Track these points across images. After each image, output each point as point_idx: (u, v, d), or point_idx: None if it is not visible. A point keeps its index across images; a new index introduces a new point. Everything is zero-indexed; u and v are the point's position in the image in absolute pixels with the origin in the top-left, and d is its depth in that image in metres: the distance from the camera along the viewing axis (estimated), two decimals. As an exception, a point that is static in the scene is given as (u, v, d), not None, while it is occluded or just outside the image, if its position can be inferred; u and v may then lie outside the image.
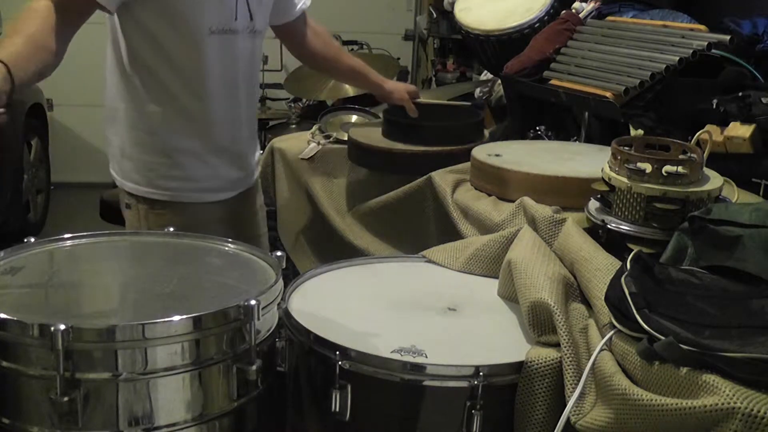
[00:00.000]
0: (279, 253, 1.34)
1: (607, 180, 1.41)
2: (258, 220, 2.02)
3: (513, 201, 1.58)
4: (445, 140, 2.02)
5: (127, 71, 1.68)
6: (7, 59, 1.32)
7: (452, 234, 1.68)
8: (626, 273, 1.11)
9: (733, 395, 0.86)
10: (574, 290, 1.29)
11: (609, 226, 1.38)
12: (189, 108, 1.71)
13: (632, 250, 1.19)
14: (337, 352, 1.17)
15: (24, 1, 1.51)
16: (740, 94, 1.71)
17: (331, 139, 2.36)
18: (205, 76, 1.68)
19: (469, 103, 2.43)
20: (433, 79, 4.75)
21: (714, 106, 1.74)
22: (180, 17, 1.61)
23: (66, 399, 1.04)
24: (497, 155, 1.77)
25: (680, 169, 1.35)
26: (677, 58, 1.83)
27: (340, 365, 1.17)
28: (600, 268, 1.24)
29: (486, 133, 2.19)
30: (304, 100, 3.82)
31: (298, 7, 1.95)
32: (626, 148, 1.41)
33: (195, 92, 1.70)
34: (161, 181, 1.72)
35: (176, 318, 1.09)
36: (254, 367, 1.15)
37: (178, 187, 1.74)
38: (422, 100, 2.19)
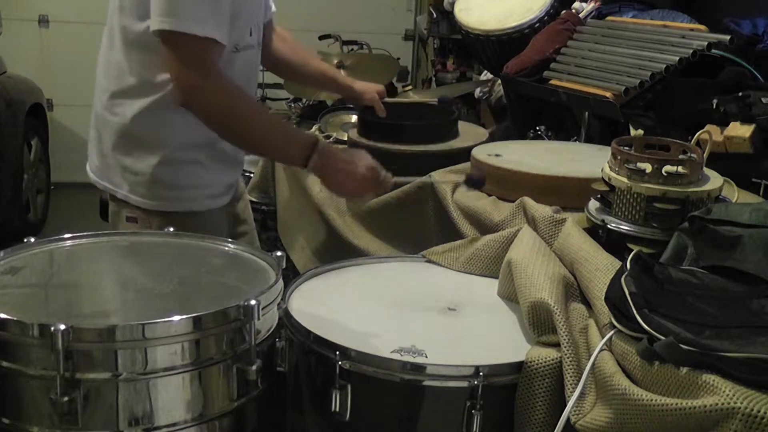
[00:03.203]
0: (279, 253, 1.34)
1: (607, 180, 1.41)
2: (249, 219, 2.06)
3: (513, 201, 1.58)
4: (419, 139, 2.04)
5: (147, 88, 1.64)
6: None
7: (452, 234, 1.68)
8: (626, 273, 1.11)
9: (733, 395, 0.86)
10: (574, 290, 1.29)
11: (609, 226, 1.38)
12: (196, 120, 1.70)
13: (632, 250, 1.19)
14: (337, 352, 1.17)
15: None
16: (740, 94, 1.71)
17: (331, 140, 2.36)
18: None
19: (436, 101, 2.43)
20: (433, 79, 4.75)
21: (714, 106, 1.74)
22: None
23: (66, 399, 1.04)
24: (497, 155, 1.78)
25: (680, 169, 1.35)
26: (677, 58, 1.84)
27: (340, 365, 1.17)
28: (600, 268, 1.24)
29: (459, 131, 2.19)
30: (304, 100, 3.81)
31: (272, 9, 1.95)
32: (626, 148, 1.41)
33: None
34: (167, 191, 1.70)
35: (176, 318, 1.09)
36: (254, 367, 1.15)
37: (183, 197, 1.72)
38: (390, 99, 2.22)
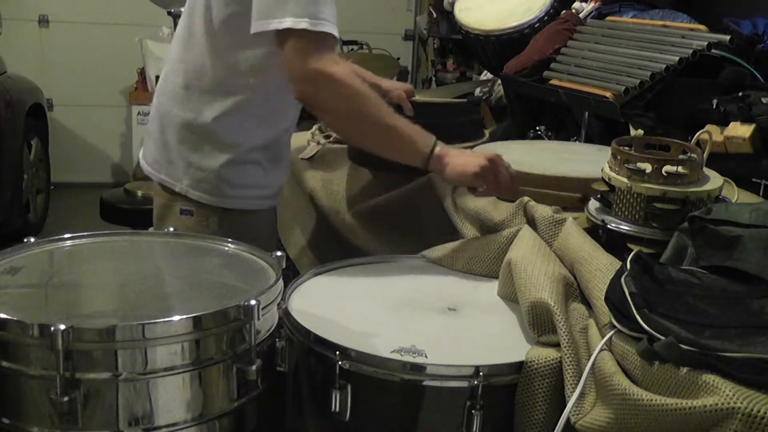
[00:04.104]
0: (279, 253, 1.34)
1: (607, 180, 1.41)
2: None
3: (513, 201, 1.58)
4: (445, 139, 2.02)
5: (229, 89, 1.67)
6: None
7: (452, 234, 1.68)
8: (626, 273, 1.11)
9: (733, 395, 0.86)
10: (574, 290, 1.29)
11: (609, 226, 1.38)
12: (270, 123, 1.75)
13: (632, 250, 1.19)
14: (337, 352, 1.17)
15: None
16: (740, 94, 1.71)
17: (331, 139, 2.36)
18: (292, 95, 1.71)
19: (465, 100, 2.42)
20: (433, 79, 4.74)
21: (714, 106, 1.74)
22: None
23: (66, 399, 1.05)
24: (497, 155, 1.77)
25: (680, 169, 1.35)
26: (677, 58, 1.84)
27: (340, 365, 1.17)
28: (600, 268, 1.24)
29: (486, 132, 2.19)
30: (304, 100, 3.81)
31: None
32: (626, 148, 1.41)
33: (281, 111, 1.75)
34: (229, 189, 1.73)
35: (176, 318, 1.09)
36: (254, 367, 1.16)
37: (242, 195, 1.75)
38: (418, 98, 2.19)
